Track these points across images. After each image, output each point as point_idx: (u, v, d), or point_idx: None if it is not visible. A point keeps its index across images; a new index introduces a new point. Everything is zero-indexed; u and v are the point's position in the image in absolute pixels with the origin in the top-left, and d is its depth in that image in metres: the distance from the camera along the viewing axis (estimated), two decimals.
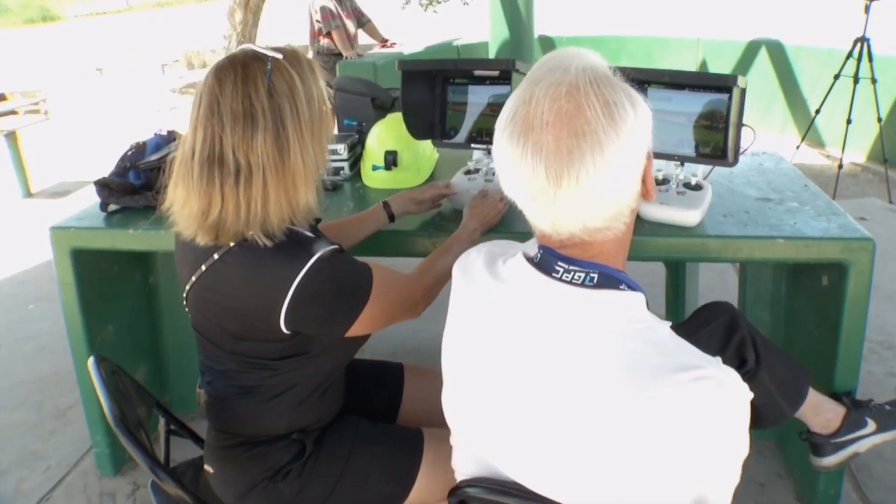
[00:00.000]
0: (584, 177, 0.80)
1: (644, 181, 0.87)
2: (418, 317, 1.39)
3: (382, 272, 1.29)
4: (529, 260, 0.92)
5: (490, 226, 1.62)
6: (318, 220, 1.35)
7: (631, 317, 0.86)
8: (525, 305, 0.90)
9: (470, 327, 0.99)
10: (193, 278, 1.22)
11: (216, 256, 1.18)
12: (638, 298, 0.88)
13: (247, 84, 1.14)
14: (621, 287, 0.88)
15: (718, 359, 0.83)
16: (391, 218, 1.70)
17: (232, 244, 1.17)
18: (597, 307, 0.86)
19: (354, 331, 1.25)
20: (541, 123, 0.81)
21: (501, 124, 0.86)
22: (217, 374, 1.31)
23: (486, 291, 0.97)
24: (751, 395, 0.82)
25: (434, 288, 1.42)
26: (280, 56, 1.18)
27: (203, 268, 1.20)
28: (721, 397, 0.80)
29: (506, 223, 1.67)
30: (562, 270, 0.88)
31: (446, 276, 1.41)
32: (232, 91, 1.13)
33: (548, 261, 0.89)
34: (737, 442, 0.83)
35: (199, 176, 1.14)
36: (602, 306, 0.86)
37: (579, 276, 0.87)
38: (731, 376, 0.81)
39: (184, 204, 1.18)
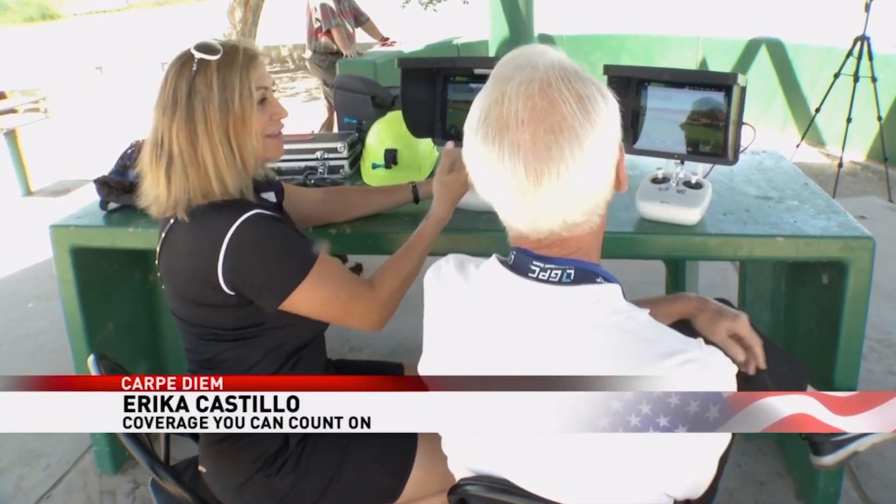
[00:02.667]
0: (564, 173, 0.80)
1: (617, 172, 0.88)
2: (380, 328, 1.37)
3: (333, 264, 1.32)
4: (503, 262, 0.92)
5: (459, 199, 1.50)
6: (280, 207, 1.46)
7: (610, 308, 0.87)
8: (503, 308, 0.90)
9: (449, 336, 0.98)
10: (157, 249, 1.34)
11: (171, 222, 1.29)
12: (615, 290, 0.89)
13: (177, 80, 1.25)
14: (598, 280, 0.88)
15: (700, 340, 0.84)
16: (416, 199, 1.72)
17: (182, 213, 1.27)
18: (575, 303, 0.86)
19: (290, 306, 1.27)
20: (516, 122, 0.81)
21: (472, 125, 0.85)
22: (189, 357, 1.36)
23: (462, 297, 0.97)
24: (735, 369, 0.83)
25: (396, 296, 1.38)
26: (214, 56, 1.25)
27: (163, 235, 1.32)
28: (708, 379, 0.80)
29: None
30: (538, 270, 0.88)
31: (411, 279, 1.40)
32: (167, 84, 1.26)
33: (522, 261, 0.89)
34: None
35: (147, 154, 1.29)
36: (580, 301, 0.86)
37: (556, 274, 0.87)
38: (716, 356, 0.82)
39: (143, 177, 1.31)
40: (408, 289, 1.38)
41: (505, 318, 0.90)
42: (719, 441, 0.85)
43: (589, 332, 0.85)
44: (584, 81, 0.83)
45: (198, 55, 1.25)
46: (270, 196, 1.46)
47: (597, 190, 0.85)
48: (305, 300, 1.27)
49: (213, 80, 1.24)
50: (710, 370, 0.81)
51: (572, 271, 0.87)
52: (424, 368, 1.01)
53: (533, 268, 0.88)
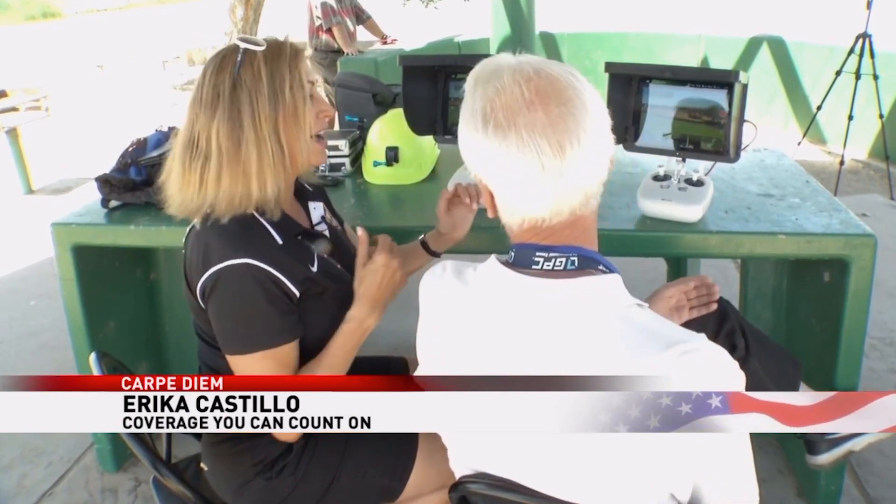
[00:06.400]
0: (583, 137, 0.84)
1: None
2: (294, 441, 1.28)
3: (281, 360, 1.21)
4: (503, 262, 0.92)
5: (392, 298, 1.31)
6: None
7: (611, 300, 0.87)
8: (505, 307, 0.90)
9: (450, 343, 0.98)
10: (183, 251, 1.30)
11: (190, 228, 1.25)
12: (616, 280, 0.89)
13: (219, 73, 1.19)
14: (600, 268, 0.89)
15: (703, 335, 0.83)
16: (433, 253, 1.58)
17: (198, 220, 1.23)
18: (577, 295, 0.86)
19: (231, 364, 1.21)
20: (524, 105, 0.84)
21: (477, 125, 0.86)
22: (198, 359, 1.35)
23: (463, 302, 0.96)
24: (742, 374, 0.82)
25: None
26: (259, 48, 1.19)
27: (184, 240, 1.28)
28: (711, 369, 0.80)
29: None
30: (541, 260, 0.88)
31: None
32: (208, 79, 1.20)
33: (524, 256, 0.90)
34: None
35: (179, 155, 1.21)
36: (582, 293, 0.86)
37: (560, 262, 0.88)
38: (719, 350, 0.82)
39: (168, 178, 1.25)
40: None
41: (507, 317, 0.90)
42: (730, 444, 0.85)
43: (592, 323, 0.85)
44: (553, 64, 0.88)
45: (243, 45, 1.19)
46: (318, 208, 1.40)
47: (605, 157, 0.88)
48: (240, 370, 1.21)
49: (260, 70, 1.18)
50: (713, 361, 0.80)
51: (576, 258, 0.88)
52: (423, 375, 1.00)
53: (536, 259, 0.88)
